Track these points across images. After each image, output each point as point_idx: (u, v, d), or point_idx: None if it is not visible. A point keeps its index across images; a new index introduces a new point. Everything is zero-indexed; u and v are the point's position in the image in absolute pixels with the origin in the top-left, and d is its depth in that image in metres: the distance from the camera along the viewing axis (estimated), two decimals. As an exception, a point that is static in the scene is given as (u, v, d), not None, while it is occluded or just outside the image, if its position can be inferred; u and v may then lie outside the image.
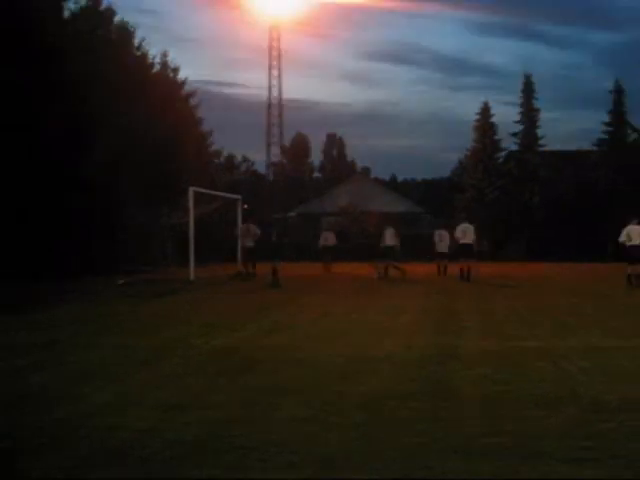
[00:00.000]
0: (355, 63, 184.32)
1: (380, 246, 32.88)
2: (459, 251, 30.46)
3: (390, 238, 33.16)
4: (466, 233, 30.20)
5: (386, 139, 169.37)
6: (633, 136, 67.71)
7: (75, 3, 37.80)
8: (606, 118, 67.92)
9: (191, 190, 31.75)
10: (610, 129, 67.42)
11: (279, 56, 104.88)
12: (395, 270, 31.92)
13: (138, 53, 43.45)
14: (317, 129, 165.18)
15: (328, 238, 39.57)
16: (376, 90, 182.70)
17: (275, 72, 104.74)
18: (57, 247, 30.65)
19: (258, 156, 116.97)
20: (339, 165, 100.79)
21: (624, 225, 26.01)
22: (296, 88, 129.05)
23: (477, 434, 6.96)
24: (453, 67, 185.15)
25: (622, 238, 25.70)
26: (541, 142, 69.26)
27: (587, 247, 52.75)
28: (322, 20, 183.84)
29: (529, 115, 69.15)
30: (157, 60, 47.74)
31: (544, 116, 70.79)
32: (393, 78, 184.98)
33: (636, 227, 25.68)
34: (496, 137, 70.16)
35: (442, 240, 34.35)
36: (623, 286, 24.69)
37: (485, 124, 69.77)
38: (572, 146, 76.15)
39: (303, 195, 78.17)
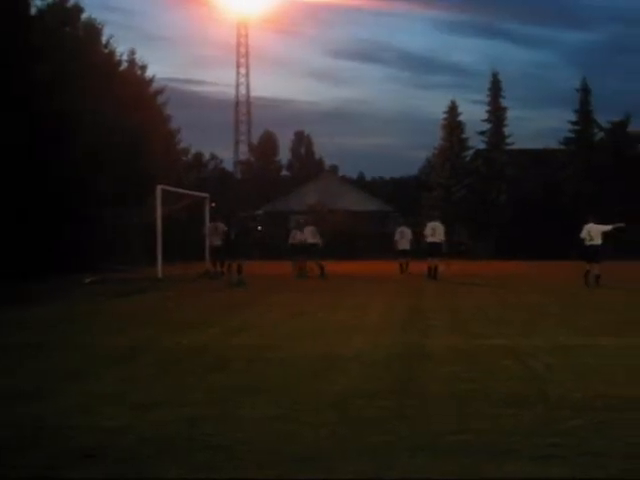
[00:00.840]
0: (323, 61, 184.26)
1: (303, 244, 33.85)
2: (427, 249, 30.45)
3: (311, 236, 34.16)
4: (435, 231, 30.21)
5: (354, 137, 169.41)
6: (599, 135, 68.12)
7: (42, 0, 37.59)
8: (573, 117, 68.33)
9: (159, 188, 31.65)
10: (577, 128, 67.80)
11: (247, 54, 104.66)
12: (316, 267, 32.55)
13: (106, 51, 43.28)
14: (285, 127, 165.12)
15: (297, 236, 39.45)
16: (344, 88, 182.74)
17: (243, 70, 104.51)
18: (24, 245, 30.38)
19: (226, 154, 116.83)
20: (307, 163, 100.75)
21: (585, 222, 26.35)
22: (264, 86, 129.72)
23: (444, 432, 6.97)
24: (421, 66, 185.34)
25: (583, 235, 26.03)
26: (508, 141, 69.55)
27: (554, 245, 53.00)
28: (290, 17, 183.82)
29: (496, 114, 69.41)
30: (125, 58, 47.66)
31: (511, 115, 71.31)
32: (361, 76, 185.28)
33: (595, 226, 25.99)
34: (464, 136, 70.37)
35: (403, 237, 34.45)
36: (589, 284, 24.85)
37: (453, 123, 69.96)
38: (539, 145, 76.51)
39: (271, 193, 78.01)
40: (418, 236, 34.35)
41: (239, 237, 31.29)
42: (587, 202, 58.19)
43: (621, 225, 26.01)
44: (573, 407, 7.91)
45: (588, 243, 25.80)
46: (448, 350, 11.90)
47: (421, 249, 32.29)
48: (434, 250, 30.01)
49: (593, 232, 25.82)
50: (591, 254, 25.60)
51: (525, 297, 21.91)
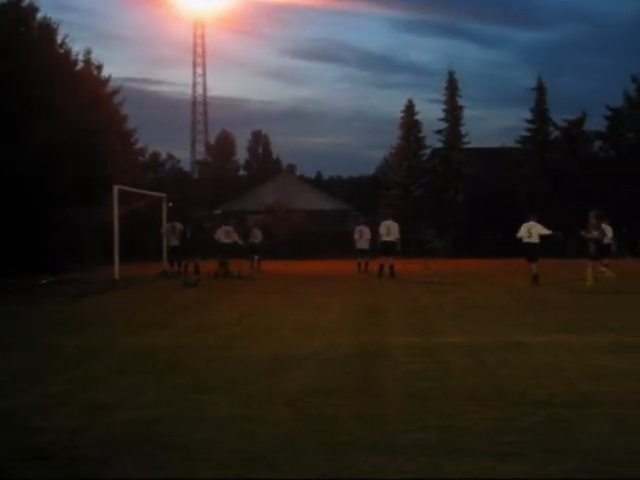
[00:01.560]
0: (280, 60, 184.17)
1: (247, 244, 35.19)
2: (381, 248, 30.56)
3: (256, 236, 36.72)
4: (390, 230, 30.33)
5: (312, 137, 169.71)
6: (555, 133, 68.65)
7: (-6, -1, 37.23)
8: (529, 116, 68.81)
9: (115, 188, 31.46)
10: (533, 126, 68.28)
11: (203, 53, 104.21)
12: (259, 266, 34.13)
13: (61, 50, 42.89)
14: (242, 127, 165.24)
15: (257, 236, 39.35)
16: (301, 88, 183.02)
17: (200, 69, 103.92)
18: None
19: (183, 154, 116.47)
20: (264, 163, 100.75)
21: (525, 220, 26.72)
22: (221, 85, 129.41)
23: (402, 430, 6.97)
24: (379, 65, 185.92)
25: (520, 234, 26.41)
26: (465, 139, 69.97)
27: (510, 244, 53.26)
28: (247, 17, 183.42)
29: (453, 113, 69.77)
30: (81, 57, 47.25)
31: (468, 114, 72.03)
32: (318, 76, 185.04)
33: (536, 225, 26.37)
34: (421, 135, 70.68)
35: (362, 236, 34.46)
36: (541, 283, 24.99)
37: (410, 122, 70.23)
38: (496, 144, 77.11)
39: (228, 193, 77.84)
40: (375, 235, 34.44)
41: (195, 236, 31.20)
42: (542, 201, 58.69)
43: (557, 234, 26.42)
44: (531, 404, 7.94)
45: (526, 241, 26.20)
46: (406, 349, 11.91)
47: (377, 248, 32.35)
48: (388, 249, 30.12)
49: (533, 230, 26.20)
50: (528, 252, 26.04)
51: (482, 295, 22.01)
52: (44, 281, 27.77)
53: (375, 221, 36.77)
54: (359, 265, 33.68)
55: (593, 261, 25.48)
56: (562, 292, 22.54)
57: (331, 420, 7.43)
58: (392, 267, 29.53)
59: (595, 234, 25.77)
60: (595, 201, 55.13)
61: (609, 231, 29.25)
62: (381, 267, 30.03)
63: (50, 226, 37.01)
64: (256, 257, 37.45)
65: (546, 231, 26.22)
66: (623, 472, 5.87)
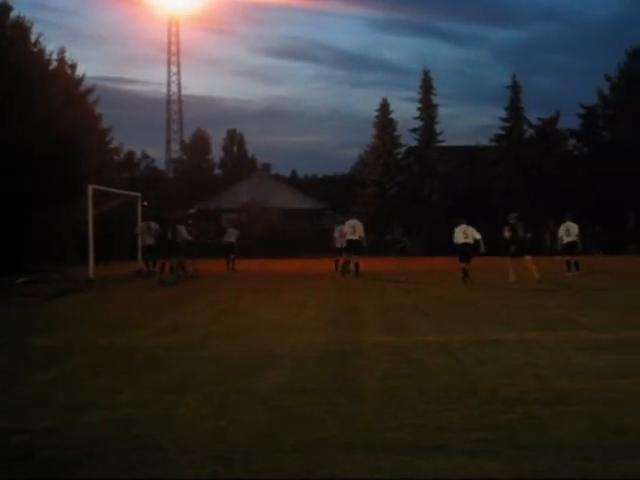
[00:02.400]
0: (255, 59, 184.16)
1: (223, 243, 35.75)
2: (347, 246, 30.78)
3: (232, 236, 37.35)
4: (355, 229, 30.60)
5: (287, 135, 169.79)
6: (529, 132, 68.97)
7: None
8: (503, 114, 69.11)
9: (90, 188, 31.35)
10: (507, 125, 68.58)
11: (178, 52, 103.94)
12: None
13: (35, 49, 42.68)
14: (217, 126, 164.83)
15: (232, 235, 39.30)
16: (276, 87, 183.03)
17: (174, 68, 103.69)
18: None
19: (158, 153, 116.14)
20: (240, 162, 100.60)
21: (455, 225, 27.97)
22: (196, 84, 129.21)
23: (377, 429, 6.99)
24: (353, 64, 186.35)
25: (457, 236, 27.56)
26: (440, 138, 70.26)
27: (484, 242, 53.35)
28: (221, 16, 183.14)
29: (428, 111, 70.06)
30: (54, 56, 47.05)
31: (443, 112, 72.37)
32: (293, 75, 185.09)
33: (465, 227, 27.47)
34: (396, 133, 70.91)
35: (342, 236, 34.48)
36: (516, 281, 25.14)
37: (385, 120, 70.45)
38: (471, 142, 77.36)
39: (204, 192, 77.71)
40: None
41: (174, 237, 31.09)
42: (516, 199, 58.92)
43: (479, 240, 27.38)
44: (504, 402, 7.98)
45: (462, 242, 27.19)
46: (382, 347, 11.93)
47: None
48: (354, 247, 30.38)
49: (469, 232, 27.26)
50: (465, 253, 27.13)
51: (457, 293, 22.09)
52: (19, 281, 27.63)
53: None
54: (336, 263, 33.68)
55: (512, 258, 26.75)
56: (535, 290, 22.61)
57: (306, 419, 7.45)
58: (357, 265, 29.78)
59: (507, 235, 27.02)
60: (569, 199, 55.72)
61: (574, 228, 29.71)
62: (345, 264, 30.62)
63: (25, 226, 36.84)
64: (232, 256, 37.44)
65: (478, 236, 27.38)
66: (597, 469, 5.91)
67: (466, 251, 27.03)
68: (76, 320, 16.90)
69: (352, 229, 30.68)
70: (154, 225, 34.00)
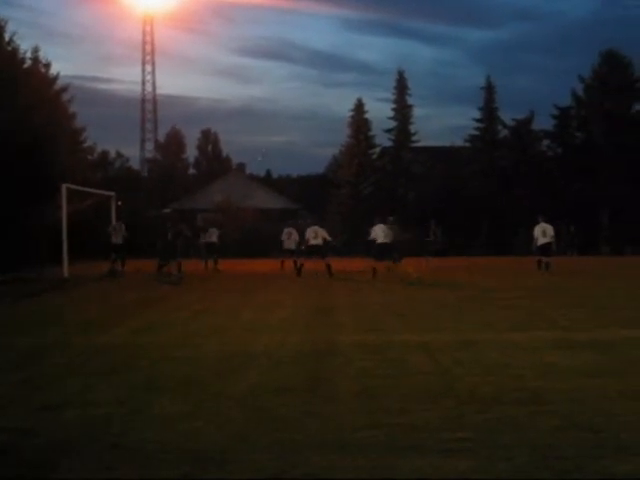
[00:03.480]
0: (229, 59, 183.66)
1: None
2: (307, 251, 31.60)
3: (213, 235, 37.70)
4: (317, 234, 31.19)
5: (261, 135, 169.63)
6: (504, 132, 69.25)
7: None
8: (478, 115, 69.34)
9: (64, 187, 31.24)
10: (481, 125, 68.82)
11: (152, 51, 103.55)
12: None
13: (9, 48, 42.49)
14: (192, 125, 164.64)
15: (213, 234, 39.13)
16: (250, 86, 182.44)
17: (149, 67, 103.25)
18: None
19: (133, 152, 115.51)
20: (214, 161, 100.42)
21: (372, 224, 29.50)
22: (171, 84, 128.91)
23: (353, 429, 6.99)
24: (328, 64, 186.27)
25: (372, 236, 29.14)
26: (414, 138, 70.37)
27: (457, 242, 53.63)
28: (195, 15, 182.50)
29: (402, 112, 70.16)
30: (29, 55, 46.87)
31: (418, 112, 72.61)
32: (267, 74, 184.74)
33: (381, 226, 29.00)
34: (370, 133, 70.96)
35: (290, 237, 35.14)
36: (491, 281, 25.24)
37: (359, 120, 70.51)
38: (446, 142, 77.65)
39: (178, 191, 77.56)
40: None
41: (176, 238, 31.06)
42: (490, 199, 59.16)
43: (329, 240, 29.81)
44: (481, 401, 8.00)
45: (381, 241, 28.70)
46: (357, 346, 11.93)
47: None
48: (317, 252, 31.08)
49: (386, 231, 28.86)
50: (385, 252, 28.78)
51: (431, 293, 22.13)
52: (-8, 281, 27.49)
53: (323, 219, 37.34)
54: (282, 263, 34.73)
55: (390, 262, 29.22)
56: (511, 291, 22.69)
57: (281, 419, 7.44)
58: (329, 266, 30.01)
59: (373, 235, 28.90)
60: (544, 199, 55.97)
61: (550, 230, 29.99)
62: (300, 267, 31.16)
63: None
64: (215, 256, 37.35)
65: (390, 234, 29.06)
66: (572, 467, 5.94)
67: (384, 250, 28.43)
68: (51, 320, 16.82)
69: (314, 234, 31.14)
70: (121, 225, 34.06)
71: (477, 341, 12.45)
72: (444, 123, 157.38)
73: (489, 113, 69.02)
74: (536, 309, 17.58)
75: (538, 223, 30.79)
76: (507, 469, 5.92)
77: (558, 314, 16.26)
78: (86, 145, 61.18)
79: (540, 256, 30.32)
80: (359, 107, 71.03)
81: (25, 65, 45.37)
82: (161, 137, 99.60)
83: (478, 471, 5.89)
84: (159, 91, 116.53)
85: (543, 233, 30.29)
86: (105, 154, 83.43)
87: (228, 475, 5.90)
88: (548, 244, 30.21)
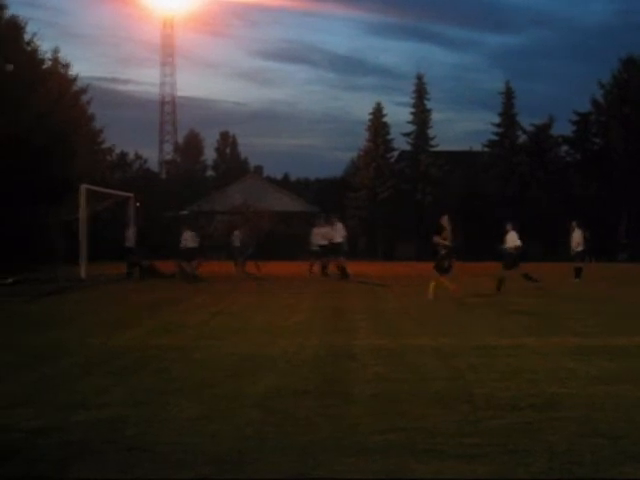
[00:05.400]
0: (250, 61, 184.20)
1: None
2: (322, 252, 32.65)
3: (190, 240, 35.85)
4: (325, 235, 32.07)
5: (280, 138, 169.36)
6: (523, 137, 69.08)
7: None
8: (497, 119, 69.19)
9: (83, 187, 31.33)
10: (500, 130, 68.66)
11: (172, 53, 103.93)
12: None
13: (29, 48, 42.65)
14: (211, 127, 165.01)
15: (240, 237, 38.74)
16: (270, 89, 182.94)
17: (168, 69, 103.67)
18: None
19: (151, 154, 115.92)
20: (232, 164, 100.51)
21: (314, 225, 32.84)
22: (190, 86, 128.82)
23: (371, 432, 6.98)
24: (348, 67, 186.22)
25: (315, 237, 32.37)
26: (433, 142, 70.28)
27: (477, 246, 53.50)
28: (217, 17, 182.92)
29: (421, 116, 70.12)
30: (48, 56, 47.06)
31: (436, 117, 72.44)
32: (288, 77, 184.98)
33: (324, 229, 31.70)
34: (389, 137, 70.92)
35: (319, 236, 35.12)
36: (506, 287, 25.10)
37: (378, 124, 70.50)
38: (464, 147, 77.49)
39: (196, 193, 77.62)
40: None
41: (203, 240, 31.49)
42: (508, 204, 58.99)
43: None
44: (498, 407, 7.98)
45: (321, 242, 31.92)
46: (374, 350, 11.93)
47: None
48: (331, 250, 31.72)
49: (329, 235, 31.37)
50: (332, 251, 31.30)
51: (449, 298, 22.02)
52: (9, 281, 27.58)
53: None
54: (311, 267, 34.16)
55: None
56: (526, 296, 22.61)
57: (300, 421, 7.44)
58: (342, 268, 30.56)
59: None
60: (563, 204, 55.75)
61: (581, 236, 29.73)
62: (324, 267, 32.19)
63: (15, 225, 36.78)
64: (241, 259, 37.18)
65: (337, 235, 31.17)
66: (589, 474, 5.92)
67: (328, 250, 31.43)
68: (67, 320, 16.88)
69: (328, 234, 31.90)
70: (135, 228, 34.14)
71: (493, 346, 12.42)
72: (463, 128, 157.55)
73: (508, 118, 68.88)
74: (551, 315, 17.54)
75: (573, 229, 30.43)
76: (524, 474, 5.90)
77: (575, 320, 16.21)
78: (105, 146, 61.34)
79: (579, 262, 30.03)
80: (378, 111, 71.03)
81: (45, 66, 45.55)
82: (180, 139, 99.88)
83: (495, 476, 5.87)
84: (179, 93, 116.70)
85: (582, 239, 30.03)
86: (124, 155, 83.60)
87: (246, 477, 5.90)
88: (583, 251, 30.13)
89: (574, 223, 30.62)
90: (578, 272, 29.54)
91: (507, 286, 24.05)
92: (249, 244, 38.36)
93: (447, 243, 21.76)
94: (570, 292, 24.23)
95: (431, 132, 70.41)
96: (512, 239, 25.06)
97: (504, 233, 25.55)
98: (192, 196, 76.41)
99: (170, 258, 32.66)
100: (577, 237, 30.22)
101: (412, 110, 69.99)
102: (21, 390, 9.03)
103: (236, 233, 38.81)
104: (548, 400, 8.34)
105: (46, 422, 7.45)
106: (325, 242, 31.25)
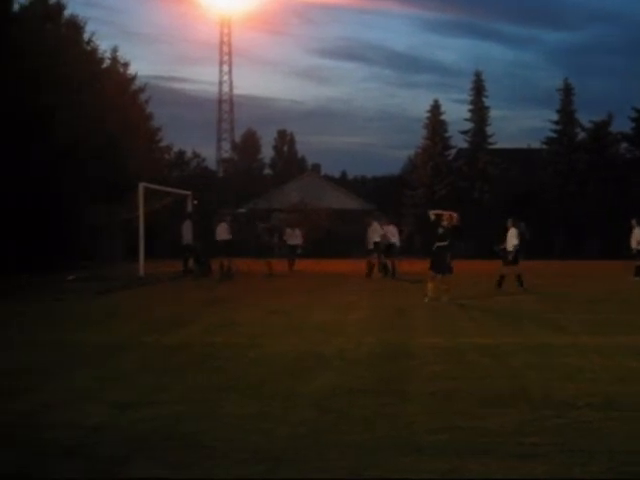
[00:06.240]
0: (307, 60, 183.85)
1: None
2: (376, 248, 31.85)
3: (296, 237, 38.12)
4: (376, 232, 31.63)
5: (337, 136, 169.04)
6: (582, 135, 68.37)
7: (23, -3, 37.31)
8: (555, 117, 68.54)
9: (141, 186, 31.53)
10: (559, 128, 68.00)
11: (230, 52, 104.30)
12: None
13: (88, 48, 43.04)
14: (268, 126, 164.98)
15: (297, 236, 38.69)
16: (327, 87, 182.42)
17: (226, 68, 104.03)
18: (6, 243, 30.22)
19: (209, 152, 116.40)
20: (289, 162, 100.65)
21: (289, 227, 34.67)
22: (247, 84, 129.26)
23: (428, 431, 6.95)
24: (405, 64, 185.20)
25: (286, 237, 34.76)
26: (491, 140, 69.73)
27: (536, 244, 53.04)
28: (274, 16, 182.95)
29: (479, 113, 69.58)
30: (107, 55, 47.48)
31: (494, 114, 71.95)
32: (345, 75, 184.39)
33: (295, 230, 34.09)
34: (446, 135, 70.51)
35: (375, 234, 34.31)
36: (566, 283, 24.91)
37: (435, 122, 70.09)
38: (522, 144, 76.78)
39: (254, 191, 77.86)
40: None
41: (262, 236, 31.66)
42: (568, 202, 58.48)
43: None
44: (555, 406, 7.91)
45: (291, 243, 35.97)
46: (430, 349, 11.88)
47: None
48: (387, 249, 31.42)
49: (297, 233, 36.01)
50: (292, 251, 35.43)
51: (505, 296, 21.87)
52: (71, 277, 27.87)
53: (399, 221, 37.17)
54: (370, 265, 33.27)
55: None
56: (587, 295, 22.39)
57: (354, 420, 7.42)
58: (391, 265, 30.73)
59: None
60: (622, 201, 55.12)
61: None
62: (384, 266, 31.22)
63: (75, 224, 37.15)
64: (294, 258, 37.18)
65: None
66: (649, 474, 5.85)
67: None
68: (125, 317, 17.03)
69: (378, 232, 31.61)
70: (190, 224, 34.12)
71: (550, 344, 12.31)
72: (521, 125, 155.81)
73: (567, 115, 68.14)
74: (612, 313, 17.35)
75: (634, 227, 29.89)
76: (582, 474, 5.84)
77: (636, 318, 16.02)
78: (163, 145, 61.75)
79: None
80: (435, 108, 70.65)
81: (104, 65, 45.95)
82: (237, 137, 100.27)
83: (553, 475, 5.81)
84: (236, 91, 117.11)
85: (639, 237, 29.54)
86: (182, 154, 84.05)
87: (302, 475, 5.89)
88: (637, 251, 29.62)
89: (634, 221, 30.11)
90: (638, 270, 29.10)
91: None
92: (301, 243, 38.43)
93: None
94: (630, 290, 23.89)
95: (489, 130, 70.01)
96: (511, 240, 24.81)
97: (505, 230, 25.28)
98: (250, 194, 76.65)
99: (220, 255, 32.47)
100: (637, 235, 29.70)
101: (470, 107, 69.58)
102: (79, 387, 9.11)
103: (295, 231, 38.77)
104: (607, 399, 8.25)
105: (105, 419, 7.53)
106: (378, 239, 30.91)
